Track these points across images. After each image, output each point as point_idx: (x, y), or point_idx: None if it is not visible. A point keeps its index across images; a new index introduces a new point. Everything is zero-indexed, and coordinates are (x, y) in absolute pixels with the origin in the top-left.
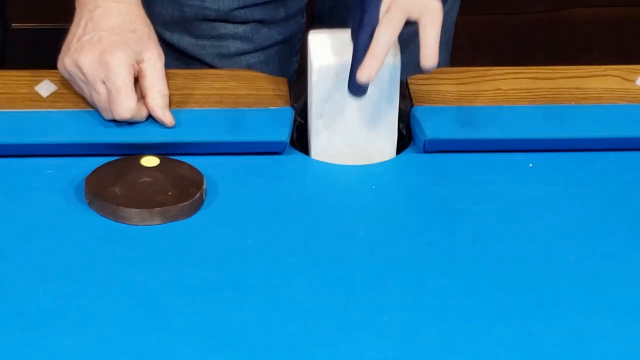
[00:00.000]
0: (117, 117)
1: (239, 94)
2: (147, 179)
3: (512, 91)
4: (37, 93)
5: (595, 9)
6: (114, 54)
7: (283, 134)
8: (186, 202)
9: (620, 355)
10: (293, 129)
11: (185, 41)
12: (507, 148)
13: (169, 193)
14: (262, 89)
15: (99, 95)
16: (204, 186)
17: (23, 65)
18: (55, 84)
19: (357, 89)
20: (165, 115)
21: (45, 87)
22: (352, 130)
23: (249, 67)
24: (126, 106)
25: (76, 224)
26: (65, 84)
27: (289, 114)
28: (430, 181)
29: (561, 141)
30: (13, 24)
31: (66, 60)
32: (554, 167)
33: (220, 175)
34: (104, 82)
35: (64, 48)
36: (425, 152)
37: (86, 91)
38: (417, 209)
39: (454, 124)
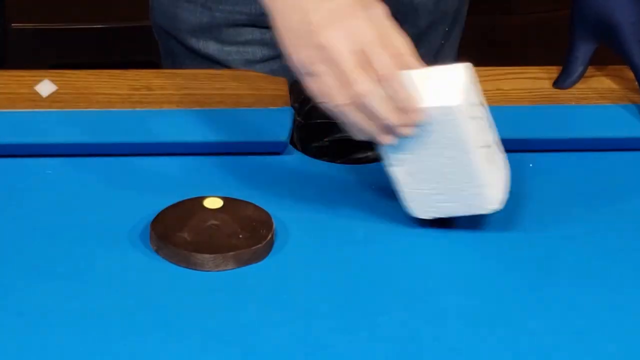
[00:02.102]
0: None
1: (239, 94)
2: (214, 222)
3: (512, 91)
4: (37, 93)
5: None
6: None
7: (283, 134)
8: (259, 245)
9: (621, 355)
10: (293, 129)
11: (211, 47)
12: (507, 148)
13: (240, 236)
14: (262, 89)
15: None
16: (274, 227)
17: (23, 65)
18: (55, 84)
19: None
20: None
21: (45, 87)
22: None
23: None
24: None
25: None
26: (66, 84)
27: (289, 114)
28: None
29: (561, 141)
30: (13, 24)
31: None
32: (554, 167)
33: (221, 176)
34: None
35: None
36: None
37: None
38: None
39: None
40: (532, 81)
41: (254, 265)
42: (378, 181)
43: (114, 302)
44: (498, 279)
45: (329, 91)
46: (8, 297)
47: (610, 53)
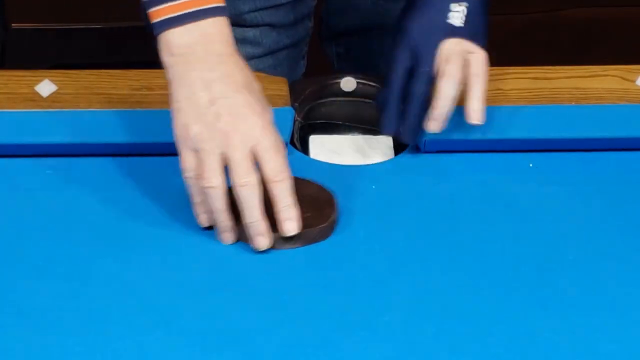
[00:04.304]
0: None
1: None
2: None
3: (512, 91)
4: (37, 93)
5: (595, 9)
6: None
7: (283, 134)
8: (324, 224)
9: (621, 355)
10: (293, 129)
11: None
12: (507, 148)
13: (306, 215)
14: (262, 89)
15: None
16: (337, 205)
17: (23, 65)
18: (55, 84)
19: (412, 136)
20: None
21: (45, 87)
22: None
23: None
24: None
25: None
26: (66, 84)
27: (289, 114)
28: (430, 181)
29: (561, 141)
30: (13, 24)
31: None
32: (554, 167)
33: None
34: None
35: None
36: (425, 152)
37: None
38: (417, 209)
39: (454, 124)
40: (532, 81)
41: (254, 265)
42: (378, 181)
43: (114, 302)
44: (498, 279)
45: (207, 171)
46: (8, 297)
47: (610, 54)
